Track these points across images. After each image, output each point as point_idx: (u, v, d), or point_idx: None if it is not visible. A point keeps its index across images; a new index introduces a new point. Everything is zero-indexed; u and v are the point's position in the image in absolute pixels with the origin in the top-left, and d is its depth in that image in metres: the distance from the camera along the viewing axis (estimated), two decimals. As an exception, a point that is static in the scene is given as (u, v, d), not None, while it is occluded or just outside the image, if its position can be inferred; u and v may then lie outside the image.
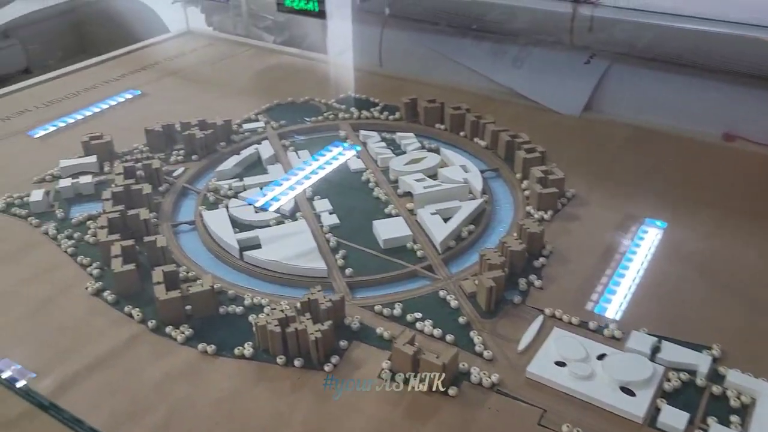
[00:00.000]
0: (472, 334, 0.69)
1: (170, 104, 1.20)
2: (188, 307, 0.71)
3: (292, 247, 0.80)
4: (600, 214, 0.88)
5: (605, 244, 0.82)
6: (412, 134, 1.06)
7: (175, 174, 0.98)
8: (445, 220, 0.84)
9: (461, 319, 0.70)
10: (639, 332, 0.68)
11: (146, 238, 0.79)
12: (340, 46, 1.42)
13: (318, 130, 1.11)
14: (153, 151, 1.04)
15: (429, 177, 0.93)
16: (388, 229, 0.83)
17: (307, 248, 0.80)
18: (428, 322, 0.70)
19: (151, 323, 0.70)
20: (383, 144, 1.04)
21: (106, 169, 0.99)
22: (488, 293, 0.71)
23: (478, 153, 1.03)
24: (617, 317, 0.71)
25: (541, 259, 0.79)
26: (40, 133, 1.11)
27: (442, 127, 1.09)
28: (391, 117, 1.13)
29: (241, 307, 0.72)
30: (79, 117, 1.17)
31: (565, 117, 1.13)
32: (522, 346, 0.67)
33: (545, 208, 0.88)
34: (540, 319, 0.71)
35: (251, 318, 0.71)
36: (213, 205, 0.91)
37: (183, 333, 0.69)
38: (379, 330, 0.69)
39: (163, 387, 0.64)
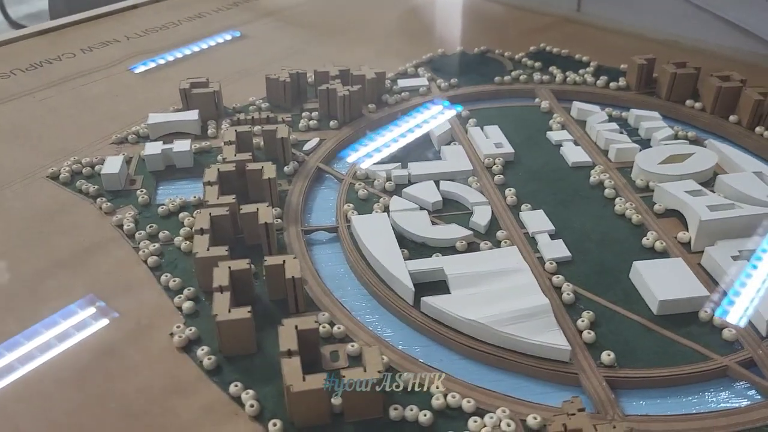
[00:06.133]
0: None
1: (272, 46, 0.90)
2: (337, 402, 0.41)
3: (507, 298, 0.47)
4: None
5: None
6: (656, 113, 0.71)
7: (306, 147, 0.67)
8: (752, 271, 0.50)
9: None
10: None
11: (268, 259, 0.49)
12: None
13: (503, 95, 0.78)
14: (275, 110, 0.74)
15: (702, 186, 0.59)
16: (665, 281, 0.49)
17: (533, 304, 0.47)
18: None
19: (275, 426, 0.40)
20: (613, 125, 0.69)
21: (210, 131, 0.70)
22: None
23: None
24: None
25: None
26: (141, 68, 0.85)
27: (697, 105, 0.73)
28: (612, 85, 0.77)
29: (427, 414, 0.41)
30: (179, 55, 0.89)
31: None
32: None
33: None
34: None
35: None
36: (364, 203, 0.60)
37: (328, 456, 0.39)
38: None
39: None
